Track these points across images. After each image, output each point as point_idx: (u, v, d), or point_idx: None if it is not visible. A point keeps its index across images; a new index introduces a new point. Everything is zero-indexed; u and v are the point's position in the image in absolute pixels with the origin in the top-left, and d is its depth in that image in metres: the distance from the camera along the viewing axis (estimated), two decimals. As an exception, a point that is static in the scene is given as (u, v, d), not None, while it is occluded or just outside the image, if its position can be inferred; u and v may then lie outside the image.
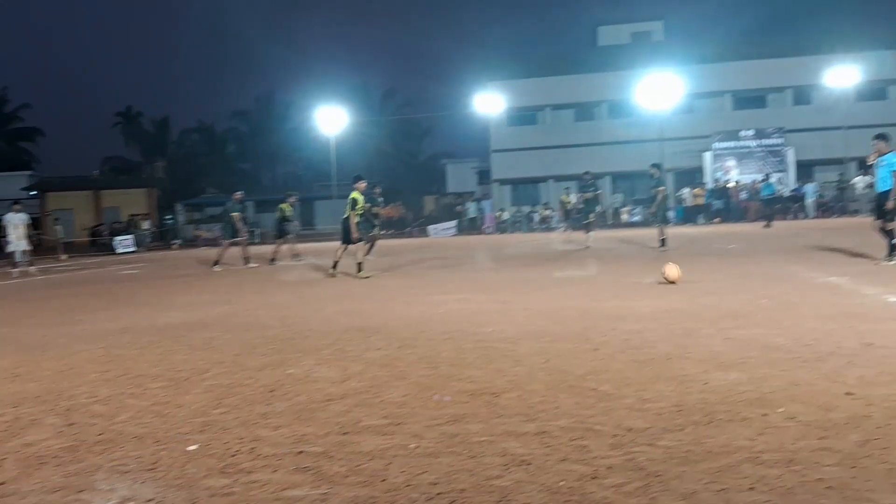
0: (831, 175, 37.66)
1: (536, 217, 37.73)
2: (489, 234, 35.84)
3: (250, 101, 76.39)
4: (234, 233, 17.51)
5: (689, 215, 33.51)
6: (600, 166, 41.55)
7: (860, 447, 3.33)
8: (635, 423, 3.83)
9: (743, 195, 35.13)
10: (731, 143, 38.95)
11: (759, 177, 33.37)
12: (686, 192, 35.03)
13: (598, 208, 23.07)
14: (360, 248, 13.27)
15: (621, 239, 22.21)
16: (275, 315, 8.68)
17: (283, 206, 18.96)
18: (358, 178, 13.40)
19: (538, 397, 4.44)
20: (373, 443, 3.74)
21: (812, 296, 8.09)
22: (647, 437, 3.62)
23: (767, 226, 26.27)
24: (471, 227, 38.48)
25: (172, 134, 63.24)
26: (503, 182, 44.26)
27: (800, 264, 11.65)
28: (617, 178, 41.48)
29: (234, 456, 3.65)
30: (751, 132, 38.90)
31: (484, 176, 47.82)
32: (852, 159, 37.83)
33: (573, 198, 26.47)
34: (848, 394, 4.18)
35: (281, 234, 19.25)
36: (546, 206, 38.86)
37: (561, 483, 3.10)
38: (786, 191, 35.68)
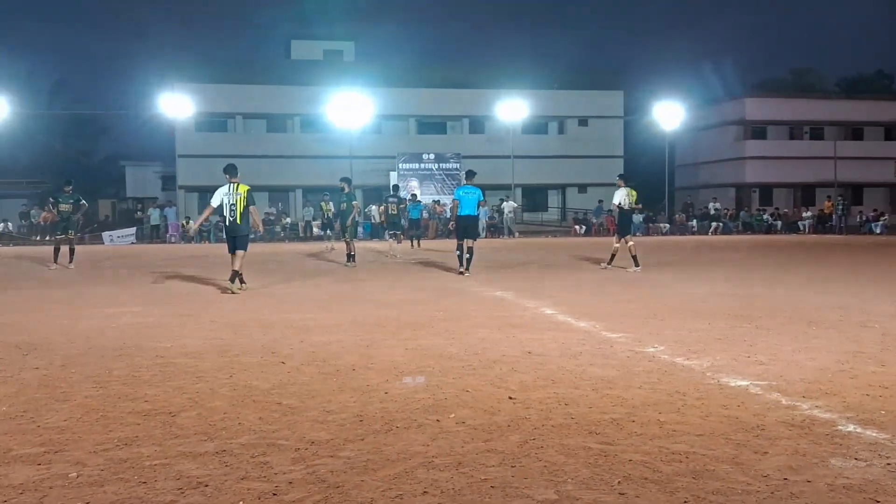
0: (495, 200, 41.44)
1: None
2: (174, 243, 34.00)
3: None
4: None
5: (375, 231, 34.69)
6: (292, 179, 41.61)
7: (519, 447, 3.67)
8: (318, 436, 3.85)
9: (424, 214, 37.15)
10: (415, 165, 41.27)
11: (406, 196, 33.89)
12: (373, 209, 36.18)
13: (402, 221, 22.94)
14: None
15: (308, 253, 22.36)
16: None
17: None
18: None
19: (220, 414, 4.27)
20: (24, 474, 3.33)
21: (481, 308, 8.80)
22: (330, 448, 3.65)
23: (403, 244, 24.84)
24: (153, 235, 36.17)
25: None
26: (189, 189, 42.34)
27: (470, 279, 12.61)
28: (308, 191, 41.75)
29: None
30: (432, 156, 41.58)
31: (168, 182, 45.31)
32: (518, 185, 42.05)
33: (332, 206, 25.81)
34: (510, 398, 4.60)
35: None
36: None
37: (239, 503, 3.00)
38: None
